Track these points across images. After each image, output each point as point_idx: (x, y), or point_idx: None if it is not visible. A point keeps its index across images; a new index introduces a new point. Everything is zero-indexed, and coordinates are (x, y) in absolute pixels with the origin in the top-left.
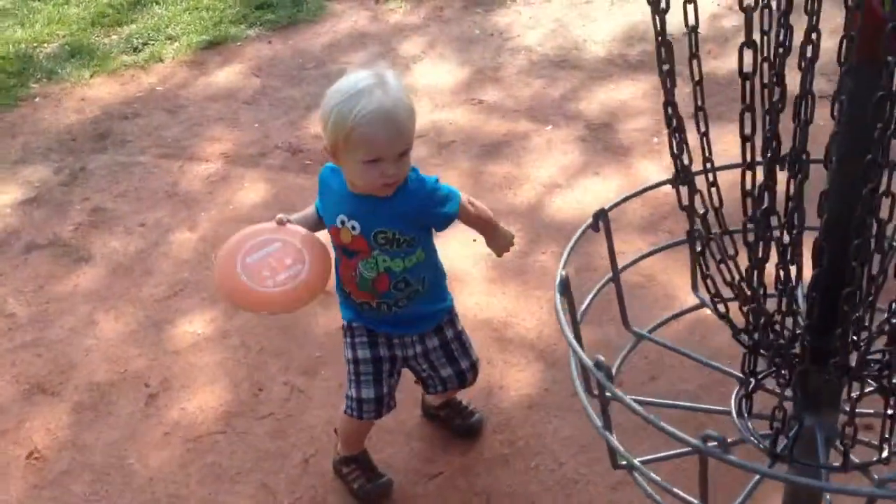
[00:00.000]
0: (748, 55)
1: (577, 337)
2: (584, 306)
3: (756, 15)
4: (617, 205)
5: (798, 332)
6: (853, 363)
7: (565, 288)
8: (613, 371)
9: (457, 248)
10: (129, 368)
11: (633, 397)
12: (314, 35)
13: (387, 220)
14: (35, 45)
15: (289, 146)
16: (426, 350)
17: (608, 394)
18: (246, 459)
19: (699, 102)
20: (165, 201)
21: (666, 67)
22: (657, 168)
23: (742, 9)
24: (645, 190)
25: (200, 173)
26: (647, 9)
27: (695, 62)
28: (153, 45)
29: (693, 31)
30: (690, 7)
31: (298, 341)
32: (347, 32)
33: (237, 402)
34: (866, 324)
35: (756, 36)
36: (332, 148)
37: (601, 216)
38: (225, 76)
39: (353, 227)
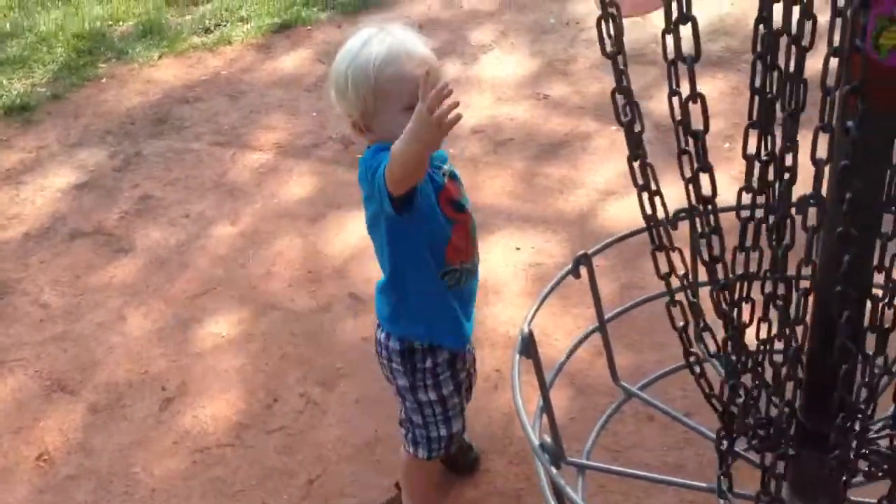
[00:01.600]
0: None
1: (546, 400)
2: (561, 360)
3: None
4: (600, 250)
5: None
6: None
7: (527, 346)
8: (594, 434)
9: (498, 257)
10: (149, 369)
11: (609, 467)
12: (385, 20)
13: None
14: (110, 23)
15: (342, 138)
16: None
17: (558, 479)
18: (251, 475)
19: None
20: (212, 192)
21: (627, 119)
22: (726, 178)
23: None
24: (628, 236)
25: (251, 163)
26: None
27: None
28: (225, 26)
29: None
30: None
31: (323, 349)
32: (418, 18)
33: (250, 412)
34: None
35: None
36: (363, 114)
37: (583, 261)
38: (291, 61)
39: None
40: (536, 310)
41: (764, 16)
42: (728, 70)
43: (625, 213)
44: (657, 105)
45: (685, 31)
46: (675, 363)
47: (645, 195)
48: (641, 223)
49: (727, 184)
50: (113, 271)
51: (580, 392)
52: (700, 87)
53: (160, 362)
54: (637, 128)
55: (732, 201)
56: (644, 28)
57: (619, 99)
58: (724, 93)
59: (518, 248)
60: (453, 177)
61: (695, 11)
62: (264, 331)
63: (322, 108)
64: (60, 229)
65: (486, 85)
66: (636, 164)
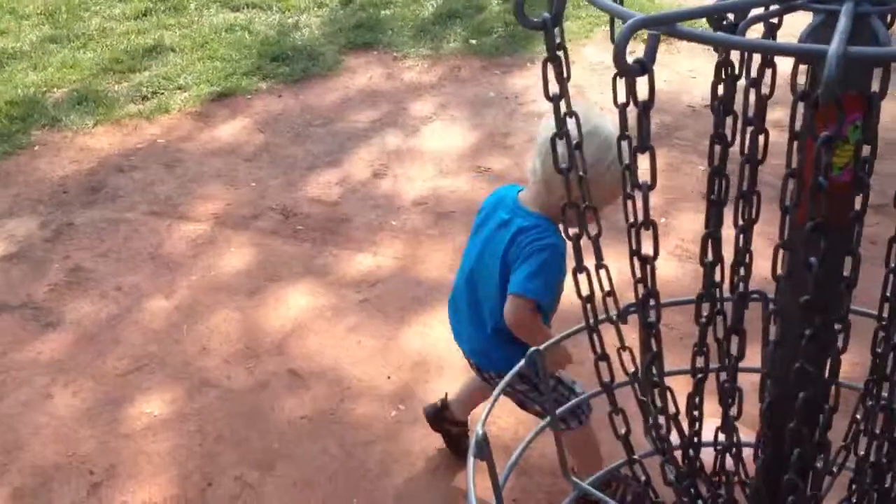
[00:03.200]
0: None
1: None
2: (512, 461)
3: None
4: (553, 343)
5: None
6: None
7: (481, 450)
8: None
9: (441, 333)
10: (77, 451)
11: None
12: (326, 90)
13: None
14: (45, 89)
15: (283, 209)
16: None
17: None
18: None
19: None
20: (147, 263)
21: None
22: (662, 253)
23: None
24: (578, 331)
25: (188, 234)
26: (672, 77)
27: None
28: (162, 94)
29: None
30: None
31: (260, 429)
32: (360, 89)
33: (183, 497)
34: None
35: None
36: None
37: (535, 356)
38: (229, 130)
39: None
40: (490, 410)
41: (720, 132)
42: (663, 146)
43: (567, 293)
44: None
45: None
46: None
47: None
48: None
49: (663, 259)
50: (40, 347)
51: (534, 483)
52: (637, 162)
53: (89, 444)
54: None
55: (671, 279)
56: (585, 102)
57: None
58: (659, 168)
59: None
60: None
61: None
62: (199, 410)
63: (261, 178)
64: None
65: (427, 156)
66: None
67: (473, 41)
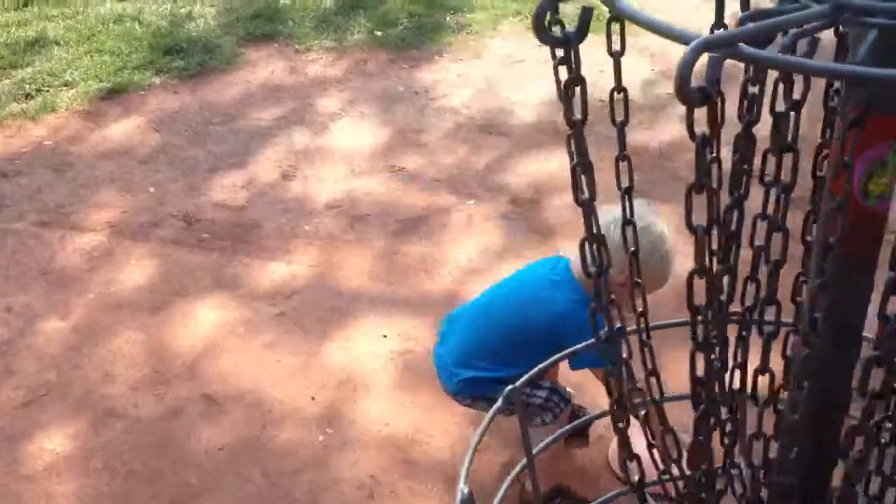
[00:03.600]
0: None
1: None
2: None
3: None
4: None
5: None
6: None
7: None
8: None
9: (364, 346)
10: None
11: None
12: (225, 86)
13: None
14: None
15: (185, 215)
16: None
17: None
18: None
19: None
20: (38, 280)
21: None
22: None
23: None
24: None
25: (82, 246)
26: (583, 71)
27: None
28: (47, 91)
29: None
30: None
31: (175, 462)
32: (262, 84)
33: None
34: None
35: None
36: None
37: (511, 395)
38: (122, 130)
39: None
40: (471, 462)
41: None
42: None
43: None
44: (513, 178)
45: None
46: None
47: None
48: None
49: None
50: None
51: None
52: (551, 162)
53: None
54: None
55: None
56: (497, 96)
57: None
58: None
59: (385, 336)
60: None
61: (543, 82)
62: (106, 444)
63: (159, 182)
64: None
65: (338, 156)
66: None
67: (379, 33)
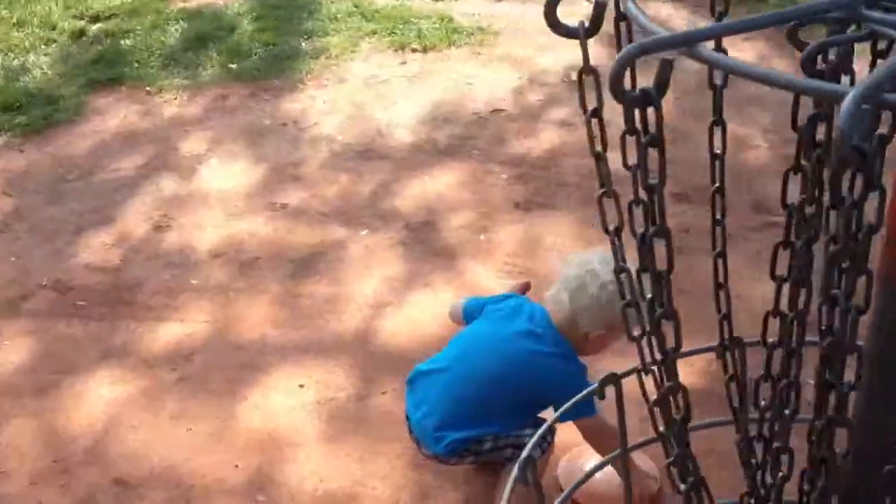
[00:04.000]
0: None
1: None
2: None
3: None
4: (629, 373)
5: None
6: None
7: (527, 474)
8: None
9: (281, 401)
10: None
11: None
12: (76, 138)
13: None
14: None
15: (55, 283)
16: None
17: None
18: None
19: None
20: None
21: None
22: (491, 273)
23: None
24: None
25: None
26: (448, 85)
27: None
28: None
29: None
30: None
31: None
32: (115, 132)
33: None
34: None
35: None
36: (603, 336)
37: (611, 382)
38: None
39: None
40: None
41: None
42: (461, 159)
43: (404, 325)
44: (402, 202)
45: None
46: None
47: None
48: (426, 335)
49: (495, 278)
50: None
51: None
52: (438, 181)
53: None
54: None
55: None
56: (369, 120)
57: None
58: (464, 182)
59: (302, 386)
60: None
61: (413, 100)
62: None
63: (21, 250)
64: None
65: (212, 199)
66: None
67: (233, 65)
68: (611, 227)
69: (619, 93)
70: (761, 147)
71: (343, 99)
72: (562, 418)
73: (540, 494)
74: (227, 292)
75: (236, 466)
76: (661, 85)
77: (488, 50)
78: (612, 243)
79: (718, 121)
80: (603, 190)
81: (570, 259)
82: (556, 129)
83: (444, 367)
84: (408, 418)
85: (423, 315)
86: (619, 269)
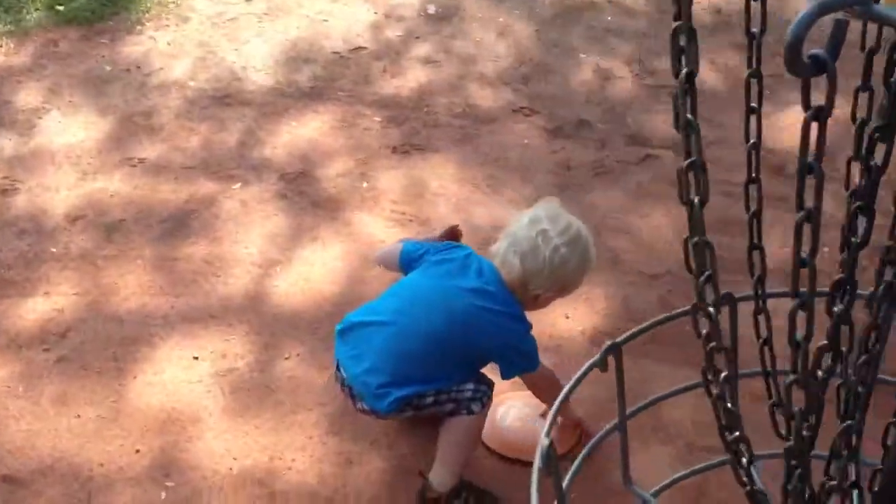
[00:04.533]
0: None
1: None
2: (575, 467)
3: None
4: (631, 338)
5: None
6: None
7: (550, 460)
8: None
9: (178, 375)
10: None
11: None
12: None
13: None
14: None
15: None
16: None
17: None
18: None
19: None
20: None
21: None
22: (379, 222)
23: None
24: (663, 321)
25: None
26: (302, 23)
27: None
28: None
29: None
30: None
31: None
32: None
33: None
34: None
35: None
36: (550, 297)
37: (612, 351)
38: None
39: None
40: (554, 418)
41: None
42: (327, 102)
43: (298, 284)
44: (273, 152)
45: None
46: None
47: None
48: (324, 293)
49: (384, 227)
50: None
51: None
52: (307, 126)
53: None
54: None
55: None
56: (222, 63)
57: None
58: (335, 127)
59: (196, 358)
60: None
61: (267, 40)
62: None
63: None
64: None
65: (60, 157)
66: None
67: (61, 7)
68: (695, 200)
69: (795, 60)
70: (626, 78)
71: (188, 40)
72: (506, 374)
73: (558, 485)
74: (95, 260)
75: (137, 451)
76: (836, 48)
77: None
78: (691, 216)
79: (754, 73)
80: (691, 160)
81: (518, 217)
82: (422, 67)
83: (386, 321)
84: (338, 369)
85: (315, 271)
86: (703, 243)
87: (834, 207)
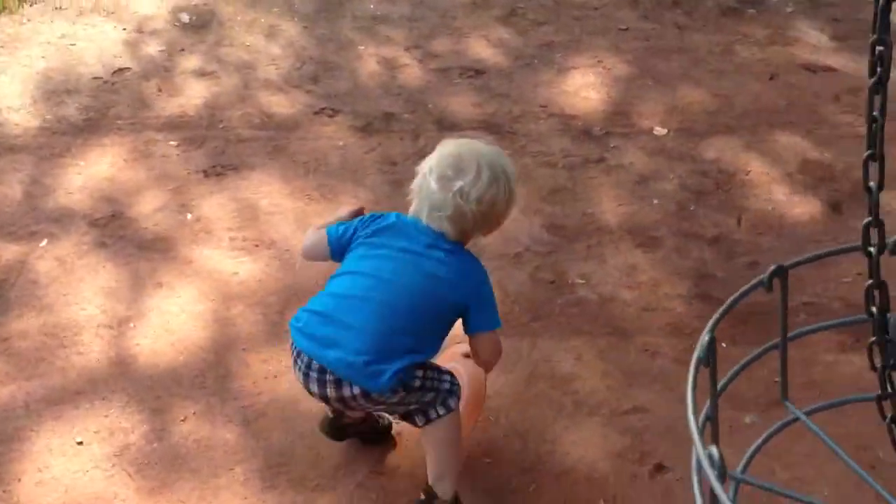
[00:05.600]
0: None
1: (715, 410)
2: (735, 370)
3: None
4: (799, 263)
5: None
6: None
7: (707, 353)
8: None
9: (63, 466)
10: None
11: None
12: None
13: None
14: None
15: None
16: None
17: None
18: None
19: None
20: None
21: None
22: (223, 254)
23: None
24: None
25: None
26: (47, 51)
27: None
28: None
29: None
30: None
31: None
32: None
33: None
34: None
35: None
36: (490, 229)
37: (778, 274)
38: None
39: None
40: (721, 317)
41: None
42: (108, 133)
43: (161, 337)
44: (70, 198)
45: None
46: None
47: None
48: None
49: (227, 258)
50: None
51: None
52: (98, 161)
53: None
54: None
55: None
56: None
57: None
58: (129, 159)
59: (80, 442)
60: None
61: (7, 78)
62: None
63: None
64: None
65: None
66: None
67: None
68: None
69: None
70: (412, 65)
71: None
72: (473, 329)
73: (714, 380)
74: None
75: None
76: None
77: (71, 2)
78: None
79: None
80: (870, 152)
81: (423, 173)
82: (199, 81)
83: (361, 300)
84: (301, 364)
85: (175, 320)
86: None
87: None
